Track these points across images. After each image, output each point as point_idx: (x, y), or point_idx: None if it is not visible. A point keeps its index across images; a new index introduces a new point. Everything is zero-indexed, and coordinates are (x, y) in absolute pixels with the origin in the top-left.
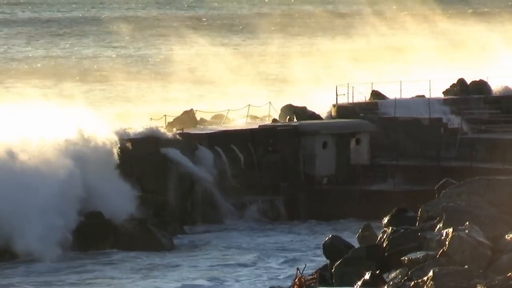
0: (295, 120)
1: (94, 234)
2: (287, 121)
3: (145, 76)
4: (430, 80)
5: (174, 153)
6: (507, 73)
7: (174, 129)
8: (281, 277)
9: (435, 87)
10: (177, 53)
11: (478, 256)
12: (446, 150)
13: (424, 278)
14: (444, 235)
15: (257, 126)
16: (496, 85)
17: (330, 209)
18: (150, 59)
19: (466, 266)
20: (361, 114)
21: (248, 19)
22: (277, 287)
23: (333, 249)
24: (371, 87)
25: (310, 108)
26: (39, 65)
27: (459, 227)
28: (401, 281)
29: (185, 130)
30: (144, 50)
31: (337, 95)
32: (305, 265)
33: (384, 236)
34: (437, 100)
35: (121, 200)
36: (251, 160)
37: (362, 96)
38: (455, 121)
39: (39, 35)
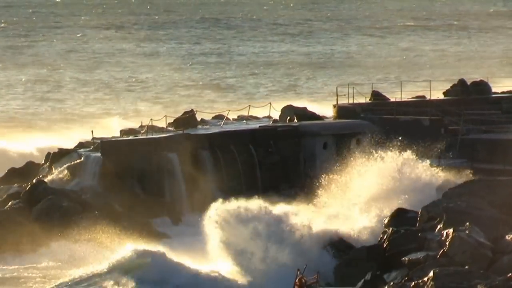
0: (295, 120)
1: None
2: (287, 121)
3: None
4: (430, 81)
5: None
6: None
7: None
8: None
9: (436, 87)
10: None
11: (479, 256)
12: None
13: (424, 279)
14: (444, 235)
15: (257, 127)
16: None
17: None
18: None
19: (467, 267)
20: (362, 115)
21: None
22: None
23: (334, 249)
24: (371, 87)
25: None
26: None
27: (460, 228)
28: (401, 281)
29: (186, 131)
30: None
31: (337, 95)
32: (306, 265)
33: (385, 237)
34: (438, 100)
35: None
36: (251, 161)
37: (362, 96)
38: (455, 122)
39: None
